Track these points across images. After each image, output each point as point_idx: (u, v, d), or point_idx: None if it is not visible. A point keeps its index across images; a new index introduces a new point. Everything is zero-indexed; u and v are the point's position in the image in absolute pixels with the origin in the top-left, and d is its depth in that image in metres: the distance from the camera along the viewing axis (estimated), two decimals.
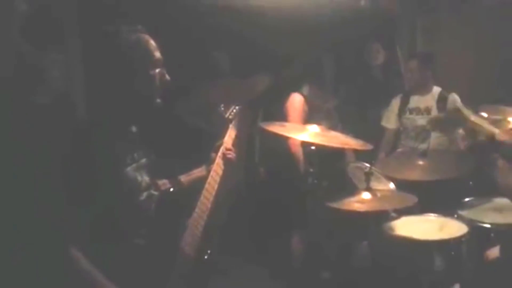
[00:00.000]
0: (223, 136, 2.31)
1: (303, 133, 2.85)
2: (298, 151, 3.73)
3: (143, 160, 1.90)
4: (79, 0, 3.22)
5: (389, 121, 4.05)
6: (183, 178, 2.15)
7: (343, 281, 2.91)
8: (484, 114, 2.97)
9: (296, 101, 3.84)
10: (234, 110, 2.44)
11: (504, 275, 2.31)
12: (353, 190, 2.99)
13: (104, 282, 1.67)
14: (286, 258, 3.53)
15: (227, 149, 2.24)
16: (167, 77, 1.84)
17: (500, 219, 2.80)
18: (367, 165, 3.13)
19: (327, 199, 2.90)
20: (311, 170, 3.19)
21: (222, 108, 2.44)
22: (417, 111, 3.94)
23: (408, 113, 3.96)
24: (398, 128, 4.01)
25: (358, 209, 2.85)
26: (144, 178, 1.88)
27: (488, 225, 2.72)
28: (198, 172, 2.21)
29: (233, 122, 2.40)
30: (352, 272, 2.99)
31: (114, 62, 1.76)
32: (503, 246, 2.45)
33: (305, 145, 3.37)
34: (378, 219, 2.89)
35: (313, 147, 3.23)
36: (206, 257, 2.04)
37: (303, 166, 3.69)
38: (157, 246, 1.85)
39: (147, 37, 1.82)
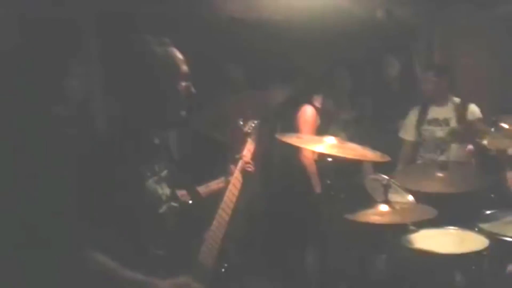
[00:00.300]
0: (242, 150, 2.32)
1: (320, 144, 2.83)
2: (311, 164, 3.76)
3: (164, 172, 1.89)
4: (99, 10, 3.26)
5: (407, 132, 4.01)
6: (202, 190, 2.15)
7: None
8: (505, 125, 2.94)
9: (307, 113, 3.86)
10: (253, 125, 2.45)
11: None
12: (370, 203, 2.97)
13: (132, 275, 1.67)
14: (301, 272, 3.51)
15: (246, 163, 2.24)
16: (193, 90, 1.84)
17: None
18: (385, 177, 3.10)
19: (344, 211, 2.87)
20: (328, 182, 3.16)
21: (241, 123, 2.45)
22: (436, 122, 3.90)
23: (426, 124, 3.92)
24: (417, 140, 3.96)
25: (375, 222, 2.82)
26: (165, 191, 1.88)
27: (510, 239, 2.66)
28: (216, 184, 2.21)
29: (252, 136, 2.40)
30: (370, 285, 2.94)
31: (139, 73, 1.75)
32: None
33: (321, 157, 3.35)
34: (396, 232, 2.85)
35: (330, 159, 3.21)
36: (223, 270, 2.02)
37: (317, 178, 3.71)
38: (176, 258, 1.84)
39: (174, 50, 1.81)
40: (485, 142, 2.39)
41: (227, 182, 2.15)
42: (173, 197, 1.92)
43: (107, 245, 1.64)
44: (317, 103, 3.91)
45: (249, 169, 2.23)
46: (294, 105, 3.93)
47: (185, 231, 1.90)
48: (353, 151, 2.86)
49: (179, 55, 1.82)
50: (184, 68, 1.81)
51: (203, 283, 1.84)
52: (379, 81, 4.52)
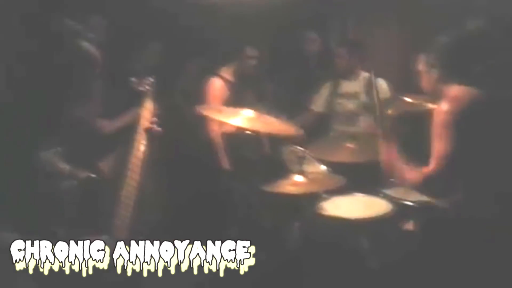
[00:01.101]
0: (140, 110, 2.23)
1: (237, 117, 2.85)
2: (217, 138, 3.80)
3: (59, 148, 1.87)
4: None
5: (316, 104, 4.18)
6: (104, 165, 2.11)
7: (277, 263, 3.01)
8: (408, 99, 3.15)
9: (213, 86, 3.89)
10: (149, 82, 2.35)
11: (419, 247, 2.48)
12: (286, 174, 3.12)
13: None
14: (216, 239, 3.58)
15: (147, 127, 2.17)
16: None
17: (423, 196, 2.97)
18: (301, 149, 3.25)
19: (261, 182, 3.00)
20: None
21: (134, 80, 2.36)
22: (347, 96, 4.10)
23: (339, 97, 4.11)
24: (326, 112, 4.14)
25: (291, 192, 2.99)
26: (64, 166, 1.86)
27: (410, 203, 2.89)
28: (115, 156, 2.15)
29: (149, 95, 2.31)
30: (285, 253, 3.09)
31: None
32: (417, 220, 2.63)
33: (234, 130, 3.40)
34: (310, 201, 3.02)
35: (248, 132, 3.29)
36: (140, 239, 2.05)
37: (224, 153, 3.77)
38: (87, 236, 1.85)
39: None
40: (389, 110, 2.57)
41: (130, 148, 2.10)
42: (73, 172, 1.89)
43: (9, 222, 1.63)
44: (227, 75, 3.96)
45: (154, 129, 2.16)
46: (203, 78, 3.95)
47: (92, 208, 1.88)
48: (269, 124, 2.97)
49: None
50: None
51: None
52: (298, 56, 4.64)
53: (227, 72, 3.97)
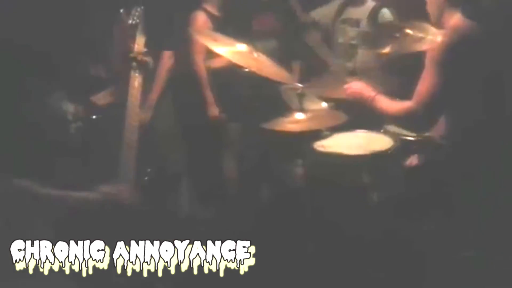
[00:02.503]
0: (132, 46, 2.22)
1: (230, 49, 2.73)
2: (202, 74, 3.67)
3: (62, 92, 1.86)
4: None
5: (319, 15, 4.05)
6: (96, 99, 2.11)
7: (280, 201, 3.05)
8: (410, 31, 3.07)
9: (196, 20, 3.72)
10: (137, 13, 2.32)
11: (422, 181, 2.50)
12: (286, 111, 3.09)
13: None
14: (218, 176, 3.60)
15: (140, 59, 2.17)
16: None
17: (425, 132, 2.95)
18: (300, 85, 3.20)
19: (260, 121, 2.98)
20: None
21: (122, 11, 2.31)
22: (349, 22, 3.97)
23: (340, 23, 3.99)
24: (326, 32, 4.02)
25: (291, 130, 2.97)
26: (68, 107, 1.85)
27: (411, 138, 2.88)
28: (109, 92, 2.15)
29: (139, 27, 2.28)
30: (288, 191, 3.12)
31: None
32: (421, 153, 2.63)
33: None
34: (311, 138, 3.01)
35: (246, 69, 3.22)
36: (146, 178, 2.07)
37: (210, 93, 3.66)
38: (96, 174, 1.86)
39: None
40: (387, 49, 2.52)
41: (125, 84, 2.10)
42: (77, 114, 1.90)
43: (24, 168, 1.64)
44: (211, 9, 3.81)
45: (146, 61, 2.19)
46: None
47: (99, 148, 1.91)
48: (262, 64, 2.86)
49: None
50: None
51: (129, 193, 1.89)
52: None
53: (211, 5, 3.81)
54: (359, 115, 3.11)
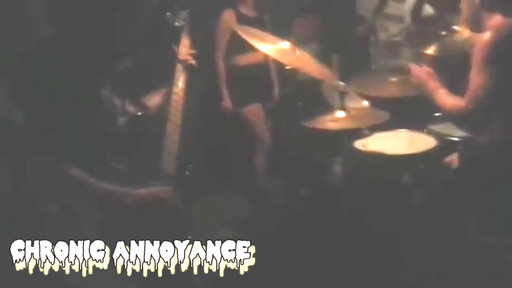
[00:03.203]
0: (177, 48, 2.26)
1: (272, 46, 2.71)
2: (221, 71, 3.75)
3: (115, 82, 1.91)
4: None
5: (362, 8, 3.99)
6: (147, 101, 2.16)
7: (317, 198, 3.03)
8: (457, 28, 3.00)
9: (221, 18, 3.78)
10: (184, 16, 2.35)
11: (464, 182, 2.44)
12: (327, 109, 3.06)
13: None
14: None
15: (185, 59, 2.21)
16: None
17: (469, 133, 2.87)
18: (342, 83, 3.17)
19: (302, 118, 2.96)
20: (287, 91, 3.21)
21: (169, 14, 2.34)
22: (391, 17, 3.89)
23: (382, 18, 3.92)
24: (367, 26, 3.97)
25: (332, 128, 2.94)
26: (118, 102, 1.90)
27: (456, 138, 2.81)
28: (160, 94, 2.21)
29: (185, 30, 2.32)
30: (327, 189, 3.10)
31: None
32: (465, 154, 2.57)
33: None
34: (351, 137, 2.97)
35: (288, 67, 3.22)
36: (187, 173, 2.10)
37: (224, 90, 3.75)
38: (138, 169, 1.90)
39: None
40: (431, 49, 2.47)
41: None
42: (124, 108, 1.94)
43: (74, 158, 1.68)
44: (244, 9, 3.84)
45: (191, 63, 2.20)
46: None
47: (142, 143, 1.95)
48: (305, 62, 2.84)
49: None
50: None
51: (170, 191, 1.92)
52: None
53: (244, 6, 3.83)
54: (402, 114, 3.06)
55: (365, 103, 3.22)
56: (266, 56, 3.64)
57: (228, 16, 3.78)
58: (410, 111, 3.04)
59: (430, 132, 2.91)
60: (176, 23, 2.32)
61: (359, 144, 2.89)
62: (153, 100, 2.17)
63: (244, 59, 3.77)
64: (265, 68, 3.88)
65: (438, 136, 2.84)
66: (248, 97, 3.82)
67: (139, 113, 2.05)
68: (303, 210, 3.12)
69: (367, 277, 2.50)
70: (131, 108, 2.03)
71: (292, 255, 2.57)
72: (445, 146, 2.77)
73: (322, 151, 3.16)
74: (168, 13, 2.34)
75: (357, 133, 2.99)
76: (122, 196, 1.81)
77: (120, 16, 1.89)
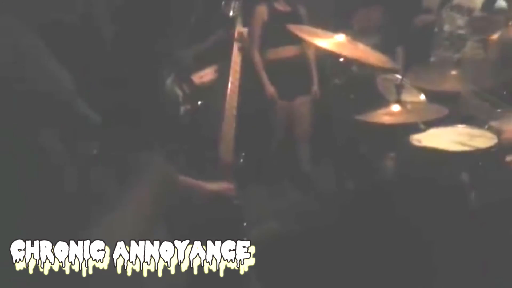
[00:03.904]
0: (232, 35, 2.35)
1: (327, 40, 2.67)
2: (257, 61, 3.91)
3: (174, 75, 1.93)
4: None
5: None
6: (195, 79, 2.20)
7: (368, 193, 2.94)
8: None
9: (255, 13, 3.90)
10: (236, 6, 2.41)
11: None
12: (382, 103, 2.96)
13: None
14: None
15: (240, 47, 2.29)
16: None
17: None
18: (398, 76, 3.05)
19: (354, 111, 2.87)
20: (337, 81, 3.14)
21: (223, 2, 2.41)
22: (459, 9, 3.72)
23: (449, 9, 3.74)
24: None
25: (386, 122, 2.83)
26: (178, 90, 1.93)
27: None
28: (209, 72, 2.25)
29: (238, 19, 2.41)
30: (377, 184, 3.00)
31: None
32: None
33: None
34: (406, 131, 2.86)
35: (341, 59, 3.15)
36: (241, 160, 2.10)
37: (266, 80, 3.89)
38: (198, 159, 1.90)
39: None
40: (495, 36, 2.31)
41: (222, 68, 2.23)
42: (186, 96, 1.97)
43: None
44: (280, 5, 3.91)
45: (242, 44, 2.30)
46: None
47: (201, 132, 1.97)
48: (363, 52, 2.76)
49: None
50: None
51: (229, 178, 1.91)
52: None
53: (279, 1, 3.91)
54: (461, 109, 2.92)
55: (422, 97, 3.10)
56: (300, 50, 3.72)
57: (261, 11, 3.90)
58: (469, 106, 2.88)
59: (491, 129, 2.75)
60: (231, 13, 2.37)
61: (415, 139, 2.77)
62: (203, 77, 2.22)
63: (277, 53, 3.90)
64: (302, 62, 3.96)
65: (499, 132, 2.68)
66: (284, 92, 3.91)
67: (199, 102, 2.09)
68: (351, 205, 3.04)
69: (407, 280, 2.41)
70: (186, 89, 2.05)
71: (331, 249, 2.52)
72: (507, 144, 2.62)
73: (374, 145, 3.06)
74: (222, 3, 2.40)
75: (412, 128, 2.87)
76: (196, 188, 1.80)
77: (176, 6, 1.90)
